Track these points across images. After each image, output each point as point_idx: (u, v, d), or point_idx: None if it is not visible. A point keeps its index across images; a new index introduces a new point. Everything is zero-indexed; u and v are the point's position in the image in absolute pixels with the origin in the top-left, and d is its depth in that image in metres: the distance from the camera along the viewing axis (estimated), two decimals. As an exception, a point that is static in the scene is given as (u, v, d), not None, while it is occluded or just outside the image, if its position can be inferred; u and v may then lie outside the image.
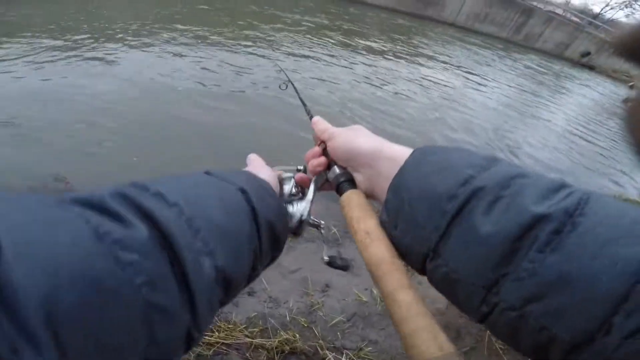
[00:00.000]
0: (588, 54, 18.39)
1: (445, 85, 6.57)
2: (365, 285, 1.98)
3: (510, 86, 8.25)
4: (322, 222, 0.54)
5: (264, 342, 1.50)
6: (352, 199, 0.44)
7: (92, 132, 2.98)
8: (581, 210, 0.27)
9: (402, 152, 0.41)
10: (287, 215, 0.45)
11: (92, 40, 4.78)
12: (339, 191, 0.47)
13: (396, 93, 5.36)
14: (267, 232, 0.38)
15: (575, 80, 13.33)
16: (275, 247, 0.42)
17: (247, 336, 1.52)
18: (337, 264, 0.57)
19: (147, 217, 0.25)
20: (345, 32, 8.78)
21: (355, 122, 4.06)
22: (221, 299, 0.31)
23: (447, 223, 0.31)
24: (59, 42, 4.54)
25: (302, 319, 1.68)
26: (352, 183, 0.47)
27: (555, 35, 17.93)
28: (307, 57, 5.92)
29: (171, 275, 0.25)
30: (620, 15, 35.30)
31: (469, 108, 5.66)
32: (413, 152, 0.40)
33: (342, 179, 0.47)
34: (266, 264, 0.42)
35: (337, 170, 0.48)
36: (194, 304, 0.26)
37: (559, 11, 20.53)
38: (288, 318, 1.68)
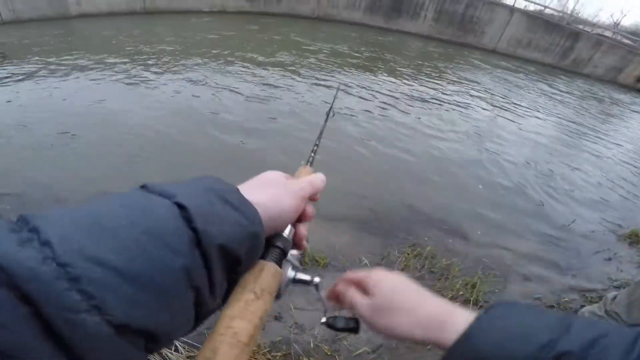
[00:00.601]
0: (645, 78, 17.19)
1: (485, 119, 6.39)
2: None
3: (557, 116, 7.85)
4: (317, 278, 0.47)
5: (288, 367, 1.49)
6: None
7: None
8: None
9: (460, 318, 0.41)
10: (258, 236, 0.34)
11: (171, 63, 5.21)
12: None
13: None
14: (221, 259, 0.30)
15: (630, 107, 12.44)
16: (237, 272, 0.33)
17: (269, 360, 1.52)
18: (338, 326, 0.49)
19: None
20: (385, 61, 8.90)
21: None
22: (148, 347, 0.26)
23: None
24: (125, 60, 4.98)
25: (326, 347, 1.65)
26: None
27: (605, 59, 16.96)
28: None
29: (36, 337, 0.20)
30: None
31: (519, 141, 5.43)
32: (480, 316, 0.39)
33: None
34: (225, 291, 0.34)
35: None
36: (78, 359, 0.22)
37: (608, 34, 19.54)
38: (312, 345, 1.65)
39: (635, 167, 5.64)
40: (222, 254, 0.30)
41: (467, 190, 3.64)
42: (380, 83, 6.54)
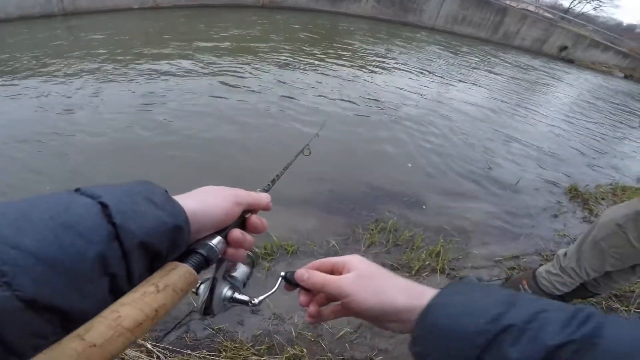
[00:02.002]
0: (565, 48, 18.91)
1: (430, 91, 6.69)
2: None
3: (496, 85, 8.42)
4: (255, 299, 0.50)
5: (272, 359, 1.50)
6: None
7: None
8: (598, 333, 0.33)
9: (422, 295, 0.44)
10: (181, 228, 0.38)
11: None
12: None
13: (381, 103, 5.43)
14: (139, 251, 0.34)
15: (557, 74, 13.66)
16: (156, 267, 0.37)
17: (254, 354, 1.52)
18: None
19: None
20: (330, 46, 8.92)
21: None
22: (60, 324, 0.29)
23: (478, 354, 0.36)
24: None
25: (309, 334, 1.68)
26: None
27: (531, 32, 18.42)
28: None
29: None
30: (588, 9, 36.52)
31: (457, 111, 5.76)
32: (438, 294, 0.43)
33: None
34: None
35: None
36: None
37: (532, 8, 21.16)
38: (294, 334, 1.67)
39: (560, 128, 6.25)
40: (141, 246, 0.34)
41: (420, 162, 3.81)
42: (320, 67, 6.57)
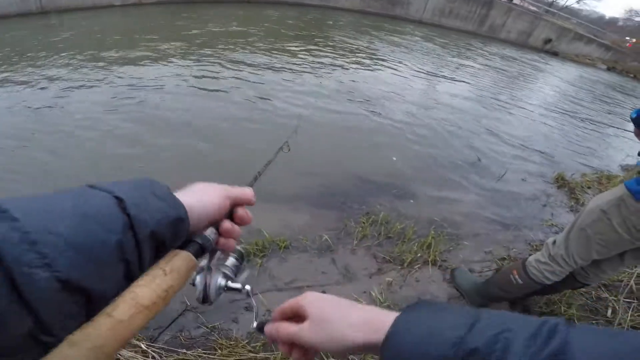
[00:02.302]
0: (550, 40, 19.19)
1: (414, 86, 6.72)
2: (362, 289, 2.00)
3: (481, 77, 8.50)
4: (247, 286, 0.53)
5: (268, 356, 1.50)
6: None
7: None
8: (564, 349, 0.32)
9: (382, 321, 0.44)
10: (182, 220, 0.42)
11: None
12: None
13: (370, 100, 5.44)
14: (149, 240, 0.38)
15: (541, 66, 13.87)
16: (160, 255, 0.41)
17: (250, 351, 1.52)
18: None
19: None
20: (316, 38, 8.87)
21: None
22: (84, 305, 0.32)
23: None
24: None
25: (304, 329, 1.68)
26: None
27: (517, 24, 18.64)
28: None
29: (2, 284, 0.27)
30: (572, 2, 37.12)
31: (444, 104, 5.81)
32: (395, 321, 0.42)
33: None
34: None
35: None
36: (34, 311, 0.28)
37: (517, 1, 21.40)
38: (289, 329, 1.67)
39: (545, 119, 6.37)
40: (152, 235, 0.38)
41: (410, 154, 3.85)
42: (303, 62, 6.54)
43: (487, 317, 0.38)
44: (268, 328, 0.52)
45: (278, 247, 2.18)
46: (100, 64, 5.19)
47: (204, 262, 0.51)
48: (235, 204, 0.53)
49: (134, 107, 3.96)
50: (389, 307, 1.86)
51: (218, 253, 0.53)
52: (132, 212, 0.36)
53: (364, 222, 2.50)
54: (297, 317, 0.51)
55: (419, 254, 2.25)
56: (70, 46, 5.94)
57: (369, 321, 0.45)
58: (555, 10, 24.38)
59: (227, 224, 0.50)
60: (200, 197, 0.47)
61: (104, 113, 3.76)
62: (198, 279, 0.50)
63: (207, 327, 1.64)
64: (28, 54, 5.42)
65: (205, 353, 1.49)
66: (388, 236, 2.42)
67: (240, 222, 0.53)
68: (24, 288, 0.28)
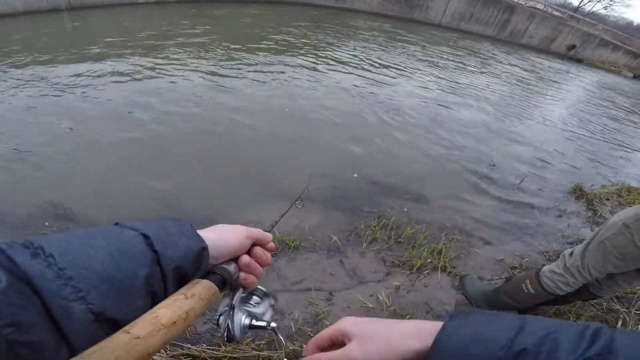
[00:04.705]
0: (574, 47, 18.67)
1: (432, 96, 6.64)
2: (370, 291, 1.98)
3: (501, 83, 8.34)
4: (273, 323, 0.53)
5: (272, 355, 1.50)
6: None
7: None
8: (611, 347, 0.35)
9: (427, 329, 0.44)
10: (204, 254, 0.46)
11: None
12: None
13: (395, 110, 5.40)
14: (174, 274, 0.42)
15: (564, 73, 13.50)
16: (184, 284, 0.44)
17: (254, 349, 1.52)
18: None
19: (10, 269, 0.30)
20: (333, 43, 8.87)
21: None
22: (110, 334, 0.33)
23: None
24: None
25: (308, 329, 1.68)
26: None
27: (539, 30, 18.21)
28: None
29: (40, 317, 0.29)
30: (598, 8, 36.06)
31: (461, 110, 5.71)
32: (443, 327, 0.42)
33: None
34: None
35: None
36: (69, 341, 0.31)
37: (540, 6, 20.91)
38: (294, 329, 1.67)
39: (566, 127, 6.19)
40: (176, 269, 0.42)
41: (424, 158, 3.80)
42: (323, 60, 6.54)
43: (533, 321, 0.40)
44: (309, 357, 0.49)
45: (288, 247, 2.18)
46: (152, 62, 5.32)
47: (227, 301, 0.52)
48: (255, 244, 0.56)
49: (153, 108, 4.04)
50: (395, 312, 1.86)
51: (240, 291, 0.53)
52: (159, 249, 0.40)
53: (374, 226, 2.48)
54: (333, 345, 0.49)
55: (428, 260, 2.21)
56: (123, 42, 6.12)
57: (419, 329, 0.45)
58: (581, 17, 23.74)
59: (246, 258, 0.53)
60: (221, 234, 0.51)
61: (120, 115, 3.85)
62: (221, 319, 0.51)
63: (213, 324, 1.65)
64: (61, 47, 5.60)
65: (209, 349, 1.50)
66: (398, 240, 2.39)
67: (259, 261, 0.55)
68: (62, 320, 0.30)
